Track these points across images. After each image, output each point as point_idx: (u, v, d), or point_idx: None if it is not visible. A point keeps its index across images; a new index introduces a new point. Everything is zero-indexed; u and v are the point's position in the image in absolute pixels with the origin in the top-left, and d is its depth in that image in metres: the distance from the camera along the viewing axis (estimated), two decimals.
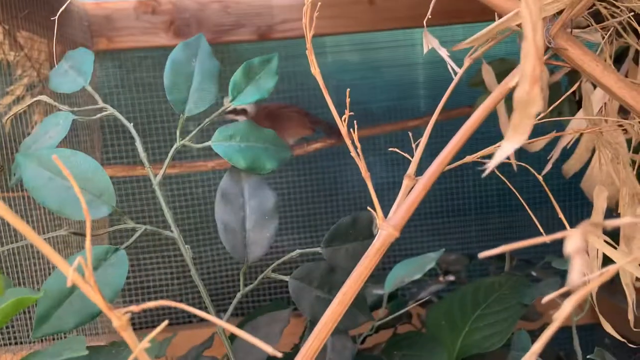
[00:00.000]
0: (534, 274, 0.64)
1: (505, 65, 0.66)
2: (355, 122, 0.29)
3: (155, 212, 0.99)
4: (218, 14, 0.92)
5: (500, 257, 0.75)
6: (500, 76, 0.68)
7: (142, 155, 0.38)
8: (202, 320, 1.06)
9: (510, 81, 0.31)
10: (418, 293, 0.61)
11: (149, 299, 1.02)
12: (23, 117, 0.84)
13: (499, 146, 0.35)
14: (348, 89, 0.29)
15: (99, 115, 0.39)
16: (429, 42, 0.30)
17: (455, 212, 1.06)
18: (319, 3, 0.29)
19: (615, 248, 0.36)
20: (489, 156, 0.32)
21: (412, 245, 1.04)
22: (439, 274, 0.65)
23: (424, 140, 0.31)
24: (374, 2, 0.93)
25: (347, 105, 0.28)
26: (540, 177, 0.34)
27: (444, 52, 0.27)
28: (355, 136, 0.28)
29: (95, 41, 0.92)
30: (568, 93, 0.39)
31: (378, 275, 0.75)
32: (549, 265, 0.70)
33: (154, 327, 0.82)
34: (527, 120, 0.18)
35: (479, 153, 0.32)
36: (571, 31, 0.30)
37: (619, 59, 0.52)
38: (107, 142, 0.96)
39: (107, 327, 0.99)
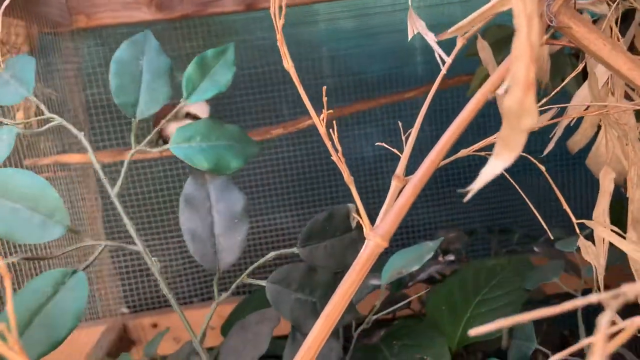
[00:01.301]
0: (536, 249, 0.62)
1: (503, 32, 0.62)
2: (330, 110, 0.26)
3: (150, 195, 0.96)
4: None
5: (502, 231, 0.72)
6: (498, 44, 0.64)
7: (97, 166, 0.35)
8: (203, 300, 1.05)
9: (507, 68, 0.27)
10: (418, 274, 0.59)
11: (148, 280, 1.01)
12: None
13: (496, 138, 0.32)
14: (324, 87, 0.26)
15: (46, 126, 0.36)
16: (415, 25, 0.27)
17: (454, 183, 1.03)
18: None
19: (623, 236, 0.34)
20: (487, 148, 0.29)
21: (410, 217, 1.02)
22: (438, 253, 0.63)
23: (414, 133, 0.28)
24: None
25: (325, 104, 0.25)
26: (541, 167, 0.31)
27: (431, 38, 0.24)
28: (335, 137, 0.25)
29: (74, 19, 0.88)
30: (576, 71, 0.35)
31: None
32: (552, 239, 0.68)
33: (154, 308, 0.80)
34: (519, 134, 0.15)
35: (475, 146, 0.29)
36: (574, 5, 0.27)
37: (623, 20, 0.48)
38: (94, 124, 0.93)
39: (107, 310, 0.99)
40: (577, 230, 0.31)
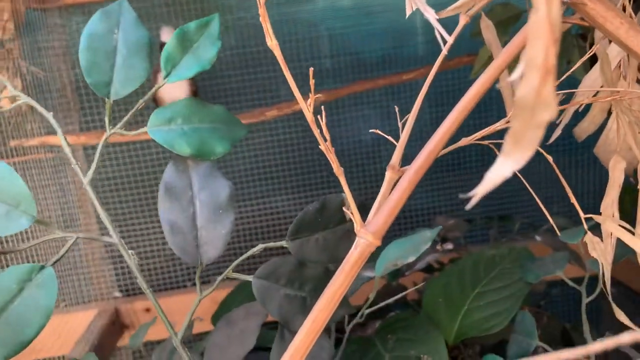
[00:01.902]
0: (537, 238, 0.59)
1: (508, 11, 0.59)
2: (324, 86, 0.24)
3: (142, 177, 0.94)
4: None
5: (501, 219, 0.70)
6: (503, 25, 0.61)
7: (67, 150, 0.33)
8: (195, 284, 1.04)
9: (515, 43, 0.25)
10: (415, 263, 0.57)
11: (141, 265, 0.99)
12: None
13: (502, 126, 0.29)
14: (311, 69, 0.24)
15: (13, 105, 0.33)
16: (414, 1, 0.24)
17: (456, 167, 1.01)
18: None
19: (632, 232, 0.32)
20: (490, 136, 0.27)
21: (407, 203, 1.00)
22: (436, 241, 0.61)
23: (411, 119, 0.26)
24: None
25: (312, 88, 0.23)
26: (549, 158, 0.29)
27: (431, 15, 0.22)
28: (323, 124, 0.22)
29: None
30: (589, 54, 0.33)
31: None
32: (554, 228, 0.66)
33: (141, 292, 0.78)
34: (534, 129, 0.12)
35: (477, 134, 0.27)
36: None
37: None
38: (83, 105, 0.90)
39: (99, 294, 0.97)
40: (585, 226, 0.29)
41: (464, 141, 0.27)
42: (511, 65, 0.39)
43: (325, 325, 0.22)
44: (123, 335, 0.95)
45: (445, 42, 0.23)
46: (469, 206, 0.13)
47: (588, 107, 0.44)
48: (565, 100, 0.43)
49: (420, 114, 0.28)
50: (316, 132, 0.22)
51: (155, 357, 0.47)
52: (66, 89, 0.88)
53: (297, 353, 0.21)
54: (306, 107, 0.22)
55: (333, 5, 0.99)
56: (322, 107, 0.24)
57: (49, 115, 0.33)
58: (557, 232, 0.32)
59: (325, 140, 0.22)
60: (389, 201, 0.22)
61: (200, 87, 0.92)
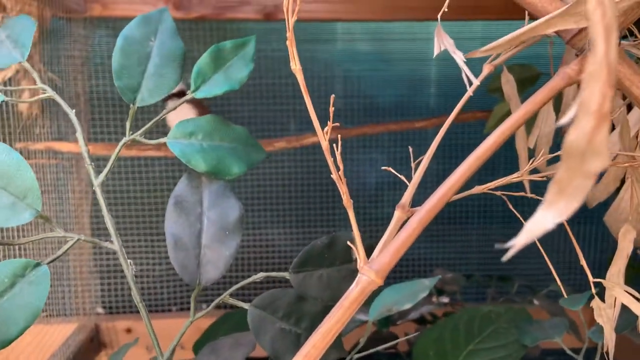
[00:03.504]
0: (535, 302, 0.58)
1: (526, 72, 0.60)
2: (336, 124, 0.23)
3: (141, 195, 0.93)
4: None
5: (500, 278, 0.69)
6: (520, 84, 0.61)
7: (84, 149, 0.32)
8: (182, 309, 1.01)
9: (537, 100, 0.25)
10: (408, 312, 0.56)
11: (128, 283, 0.97)
12: (8, 84, 0.78)
13: (515, 179, 0.29)
14: (332, 96, 0.23)
15: (36, 98, 0.33)
16: (443, 42, 0.24)
17: (458, 219, 1.00)
18: None
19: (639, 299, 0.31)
20: (504, 187, 0.27)
21: (408, 251, 0.99)
22: (432, 293, 0.60)
23: (425, 161, 0.25)
24: None
25: (331, 117, 0.22)
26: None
27: (459, 57, 0.22)
28: (338, 154, 0.22)
29: (89, 6, 0.86)
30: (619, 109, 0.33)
31: None
32: (553, 293, 0.65)
33: (131, 312, 0.76)
34: (583, 179, 0.12)
35: (490, 184, 0.26)
36: (619, 44, 0.24)
37: None
38: (94, 116, 0.91)
39: (81, 308, 0.95)
40: (593, 289, 0.28)
41: (477, 189, 0.27)
42: (529, 122, 0.39)
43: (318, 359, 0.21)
44: (100, 354, 0.92)
45: (471, 83, 0.23)
46: (505, 257, 0.12)
47: (601, 174, 0.44)
48: None
49: (428, 163, 0.27)
50: (330, 160, 0.22)
51: None
52: (80, 98, 0.88)
53: None
54: (322, 133, 0.22)
55: (352, 48, 1.01)
56: (339, 136, 0.23)
57: (72, 113, 0.32)
58: (563, 291, 0.31)
59: (338, 169, 0.22)
60: (396, 240, 0.22)
61: (212, 113, 0.93)
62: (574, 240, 0.29)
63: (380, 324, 0.58)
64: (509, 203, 0.27)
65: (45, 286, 0.27)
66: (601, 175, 0.44)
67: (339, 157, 0.22)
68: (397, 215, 0.23)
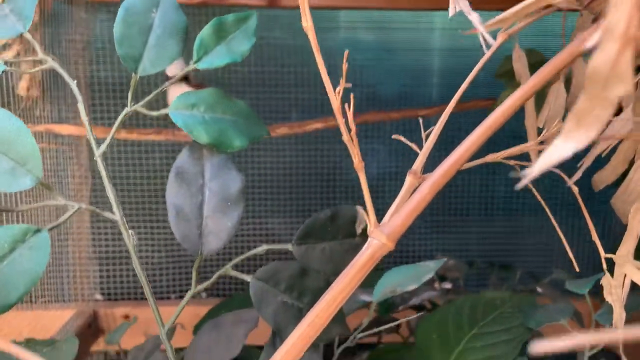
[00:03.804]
0: (539, 290, 0.58)
1: (533, 57, 0.59)
2: (349, 105, 0.23)
3: (141, 181, 0.93)
4: None
5: (503, 267, 0.69)
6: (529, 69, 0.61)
7: (84, 118, 0.32)
8: (181, 296, 1.01)
9: (552, 66, 0.24)
10: (410, 298, 0.56)
11: (127, 270, 0.97)
12: (8, 66, 0.78)
13: (533, 145, 0.28)
14: (346, 51, 0.23)
15: (37, 69, 0.33)
16: (458, 3, 0.24)
17: (459, 211, 1.00)
18: None
19: None
20: (518, 157, 0.26)
21: (409, 242, 0.99)
22: (434, 279, 0.59)
23: (437, 129, 0.25)
24: None
25: (344, 73, 0.22)
26: (573, 186, 0.28)
27: (475, 18, 0.21)
28: (350, 114, 0.22)
29: None
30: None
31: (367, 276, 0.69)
32: (556, 281, 0.64)
33: (129, 299, 0.76)
34: (604, 106, 0.11)
35: (505, 152, 0.26)
36: None
37: None
38: (95, 102, 0.90)
39: (80, 294, 0.94)
40: (604, 265, 0.28)
41: (491, 157, 0.26)
42: (538, 103, 0.39)
43: (321, 330, 0.21)
44: (98, 340, 0.92)
45: (488, 46, 0.23)
46: (519, 185, 0.12)
47: (609, 156, 0.43)
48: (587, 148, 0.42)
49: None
50: (341, 121, 0.21)
51: (131, 357, 0.44)
52: (80, 82, 0.87)
53: (288, 355, 0.20)
54: (334, 93, 0.21)
55: (355, 38, 1.00)
56: (352, 95, 0.23)
57: (73, 84, 0.32)
58: (575, 264, 0.30)
59: (350, 131, 0.21)
60: (409, 204, 0.21)
61: None
62: (586, 215, 0.29)
63: (382, 309, 0.58)
64: (518, 171, 0.26)
65: (45, 252, 0.27)
66: (608, 158, 0.43)
67: (350, 118, 0.21)
68: (409, 181, 0.23)
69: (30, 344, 0.26)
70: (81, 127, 0.79)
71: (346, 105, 0.22)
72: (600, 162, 0.40)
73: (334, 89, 0.24)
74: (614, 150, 0.40)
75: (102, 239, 0.95)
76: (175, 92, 0.73)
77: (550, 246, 0.92)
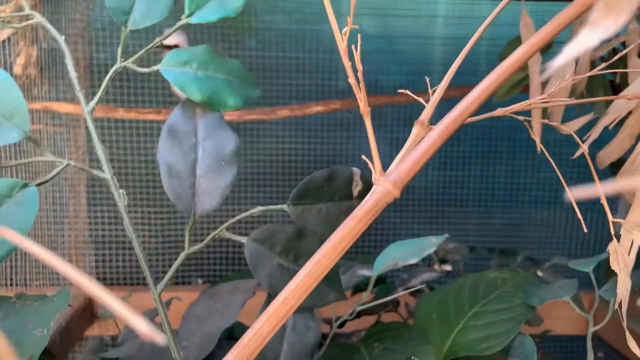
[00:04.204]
0: (539, 274, 0.57)
1: None
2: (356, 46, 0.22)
3: (139, 165, 0.92)
4: None
5: (503, 252, 0.68)
6: None
7: (73, 75, 0.31)
8: (176, 283, 1.00)
9: (564, 17, 0.23)
10: (409, 280, 0.55)
11: (123, 255, 0.96)
12: (6, 44, 0.77)
13: (536, 102, 0.28)
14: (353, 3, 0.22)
15: (23, 24, 0.32)
16: None
17: (458, 202, 0.99)
18: None
19: None
20: (524, 113, 0.25)
21: (407, 233, 0.98)
22: (434, 261, 0.58)
23: (444, 82, 0.24)
24: None
25: (351, 15, 0.21)
26: (584, 146, 0.27)
27: None
28: (356, 55, 0.21)
29: None
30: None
31: (364, 256, 0.69)
32: (558, 267, 0.63)
33: (125, 284, 0.75)
34: None
35: (512, 107, 0.25)
36: None
37: None
38: (94, 83, 0.89)
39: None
40: (612, 228, 0.27)
41: (500, 111, 0.25)
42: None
43: (328, 270, 0.20)
44: (93, 324, 0.91)
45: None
46: (547, 73, 0.11)
47: (613, 133, 0.43)
48: (592, 123, 0.42)
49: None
50: (347, 63, 0.20)
51: (125, 332, 0.43)
52: (79, 63, 0.86)
53: (293, 296, 0.19)
54: (338, 32, 0.20)
55: (357, 24, 0.99)
56: (359, 37, 0.22)
57: (61, 39, 0.31)
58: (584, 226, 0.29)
59: (356, 71, 0.20)
60: (416, 151, 0.21)
61: None
62: (595, 177, 0.28)
63: (380, 291, 0.57)
64: (530, 129, 0.26)
65: (33, 207, 0.26)
66: (613, 134, 0.43)
67: (357, 59, 0.20)
68: (416, 130, 0.22)
69: (21, 298, 0.25)
70: (78, 105, 0.78)
71: (353, 47, 0.21)
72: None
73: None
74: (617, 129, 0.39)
75: (98, 223, 0.95)
76: None
77: (551, 237, 0.91)
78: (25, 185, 0.26)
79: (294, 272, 0.31)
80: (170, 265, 0.99)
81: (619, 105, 0.39)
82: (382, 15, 0.98)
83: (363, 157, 0.22)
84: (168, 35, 0.32)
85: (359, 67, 0.21)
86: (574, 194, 0.09)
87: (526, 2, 0.88)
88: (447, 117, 0.21)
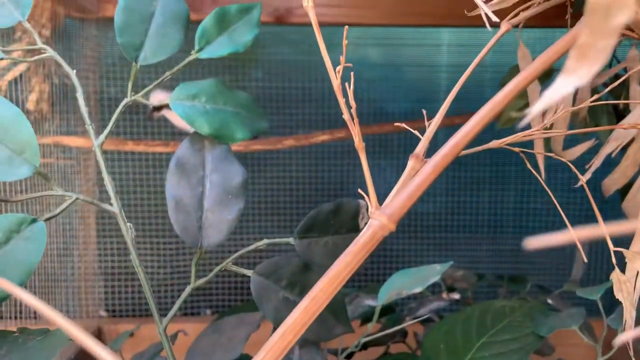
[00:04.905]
0: (549, 302, 0.56)
1: None
2: (349, 84, 0.22)
3: (148, 196, 0.93)
4: None
5: (512, 279, 0.67)
6: None
7: (83, 109, 0.32)
8: (185, 314, 1.00)
9: (559, 47, 0.24)
10: (417, 309, 0.54)
11: (132, 286, 0.96)
12: (19, 81, 0.79)
13: (533, 133, 0.28)
14: (346, 27, 0.23)
15: (35, 58, 0.33)
16: None
17: (467, 228, 0.98)
18: None
19: None
20: (520, 144, 0.26)
21: (415, 260, 0.97)
22: (442, 289, 0.58)
23: (439, 115, 0.24)
24: None
25: (343, 54, 0.21)
26: (582, 179, 0.27)
27: None
28: (350, 92, 0.21)
29: (102, 6, 0.87)
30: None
31: (373, 285, 0.69)
32: (567, 294, 0.63)
33: (134, 316, 0.75)
34: (606, 37, 0.11)
35: (509, 138, 0.25)
36: None
37: None
38: (104, 116, 0.91)
39: (84, 310, 0.94)
40: (613, 259, 0.27)
41: (495, 143, 0.25)
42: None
43: (325, 305, 0.20)
44: None
45: (491, 23, 0.22)
46: (523, 123, 0.11)
47: (617, 160, 0.43)
48: (595, 148, 0.42)
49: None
50: (341, 100, 0.21)
51: None
52: (90, 97, 0.88)
53: (291, 331, 0.19)
54: (333, 71, 0.21)
55: (362, 54, 1.01)
56: (352, 71, 0.22)
57: (72, 73, 0.32)
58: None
59: (350, 108, 0.21)
60: (410, 185, 0.21)
61: None
62: (596, 210, 0.28)
63: (388, 321, 0.57)
64: (526, 160, 0.26)
65: (41, 242, 0.26)
66: (617, 161, 0.43)
67: (351, 96, 0.21)
68: (411, 164, 0.22)
69: (23, 332, 0.25)
70: (89, 139, 0.79)
71: (346, 84, 0.21)
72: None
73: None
74: (622, 155, 0.39)
75: (107, 255, 0.95)
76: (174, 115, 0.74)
77: (562, 264, 0.90)
78: (34, 221, 0.26)
79: None
80: (179, 296, 0.99)
81: (621, 133, 0.39)
82: (387, 44, 1.00)
83: (359, 190, 0.22)
84: (179, 69, 0.33)
85: (353, 104, 0.21)
86: (533, 242, 0.09)
87: (529, 29, 0.89)
88: (441, 150, 0.22)
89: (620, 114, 0.57)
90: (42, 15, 0.82)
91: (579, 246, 0.31)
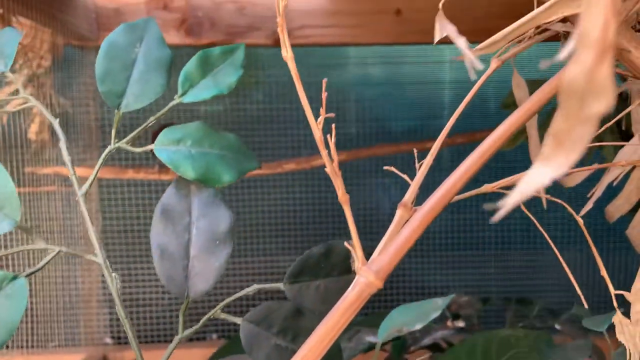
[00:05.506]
0: (557, 327, 0.55)
1: (535, 86, 0.58)
2: (331, 135, 0.22)
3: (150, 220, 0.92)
4: (232, 15, 0.86)
5: (519, 302, 0.66)
6: None
7: (66, 158, 0.31)
8: (190, 340, 0.99)
9: (551, 87, 0.23)
10: (422, 338, 0.53)
11: (137, 312, 0.96)
12: (21, 111, 0.79)
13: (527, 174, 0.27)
14: (324, 79, 0.22)
15: (19, 107, 0.32)
16: (444, 28, 0.23)
17: (474, 246, 0.97)
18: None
19: None
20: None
21: (420, 279, 0.96)
22: (447, 317, 0.57)
23: (428, 160, 0.23)
24: (401, 13, 0.86)
25: (324, 100, 0.21)
26: (579, 219, 0.26)
27: (462, 43, 0.20)
28: (332, 145, 0.20)
29: (102, 35, 0.87)
30: (624, 112, 0.31)
31: (374, 316, 0.67)
32: (576, 317, 0.61)
33: (140, 342, 0.74)
34: (583, 125, 0.10)
35: (501, 182, 0.24)
36: (636, 26, 0.23)
37: None
38: (106, 143, 0.91)
39: (90, 338, 0.93)
40: (615, 303, 0.26)
41: (487, 187, 0.25)
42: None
43: None
44: None
45: (476, 74, 0.22)
46: (495, 219, 0.11)
47: (621, 186, 0.42)
48: (597, 176, 0.41)
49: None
50: (323, 152, 0.20)
51: None
52: (91, 125, 0.88)
53: None
54: (315, 123, 0.20)
55: (365, 73, 1.00)
56: (333, 125, 0.22)
57: (55, 122, 0.31)
58: (584, 302, 0.28)
59: (332, 161, 0.20)
60: (398, 239, 0.20)
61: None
62: (593, 249, 0.27)
63: (394, 350, 0.55)
64: (525, 209, 0.25)
65: (23, 300, 0.25)
66: (621, 187, 0.41)
67: (333, 149, 0.20)
68: (399, 214, 0.21)
69: None
70: (89, 168, 0.79)
71: (328, 136, 0.21)
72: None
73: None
74: (626, 178, 0.38)
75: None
76: None
77: (570, 282, 0.89)
78: (14, 278, 0.26)
79: (293, 352, 0.30)
80: (186, 321, 0.98)
81: (626, 152, 0.38)
82: (389, 62, 0.99)
83: (346, 244, 0.21)
84: (162, 114, 0.33)
85: (335, 157, 0.20)
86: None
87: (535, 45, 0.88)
88: (430, 199, 0.21)
89: (625, 133, 0.56)
90: (42, 47, 0.82)
91: (567, 269, 0.30)
